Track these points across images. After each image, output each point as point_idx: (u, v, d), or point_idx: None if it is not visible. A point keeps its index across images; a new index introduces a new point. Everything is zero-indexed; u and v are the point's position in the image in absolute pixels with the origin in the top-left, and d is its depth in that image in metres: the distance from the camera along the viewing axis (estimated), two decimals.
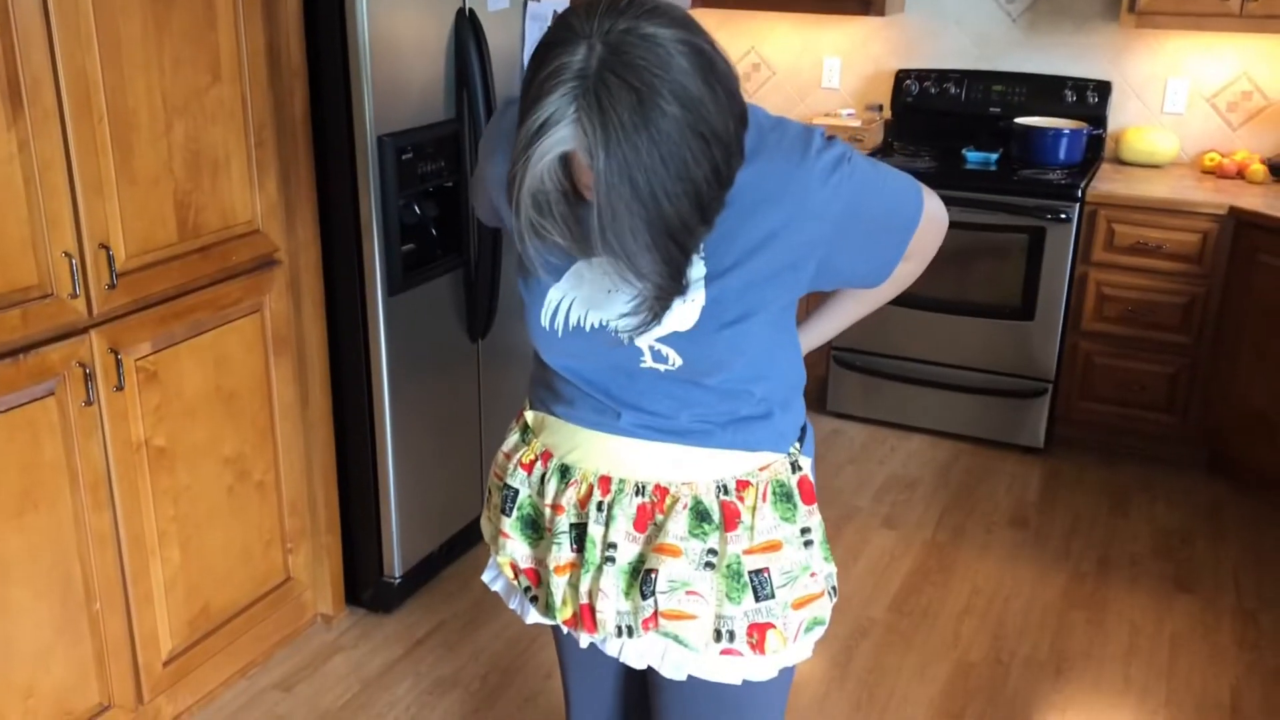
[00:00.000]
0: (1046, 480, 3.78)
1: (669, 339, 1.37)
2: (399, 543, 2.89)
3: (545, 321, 1.42)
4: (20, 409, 2.00)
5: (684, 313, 1.35)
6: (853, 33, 4.44)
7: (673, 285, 1.23)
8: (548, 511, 1.52)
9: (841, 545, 3.34)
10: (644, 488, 1.46)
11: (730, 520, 1.45)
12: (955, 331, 3.93)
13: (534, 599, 1.60)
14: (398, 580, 2.92)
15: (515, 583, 1.62)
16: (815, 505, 1.53)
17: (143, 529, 2.31)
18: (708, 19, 4.55)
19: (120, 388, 2.19)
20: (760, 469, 1.48)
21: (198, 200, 2.31)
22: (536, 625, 1.61)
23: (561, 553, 1.50)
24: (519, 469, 1.56)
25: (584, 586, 1.49)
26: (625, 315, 1.31)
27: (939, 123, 4.26)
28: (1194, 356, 3.69)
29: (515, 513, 1.56)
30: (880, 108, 4.41)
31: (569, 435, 1.50)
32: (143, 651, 2.37)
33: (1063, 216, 3.66)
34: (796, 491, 1.50)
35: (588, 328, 1.40)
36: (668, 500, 1.46)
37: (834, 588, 1.56)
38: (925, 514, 3.54)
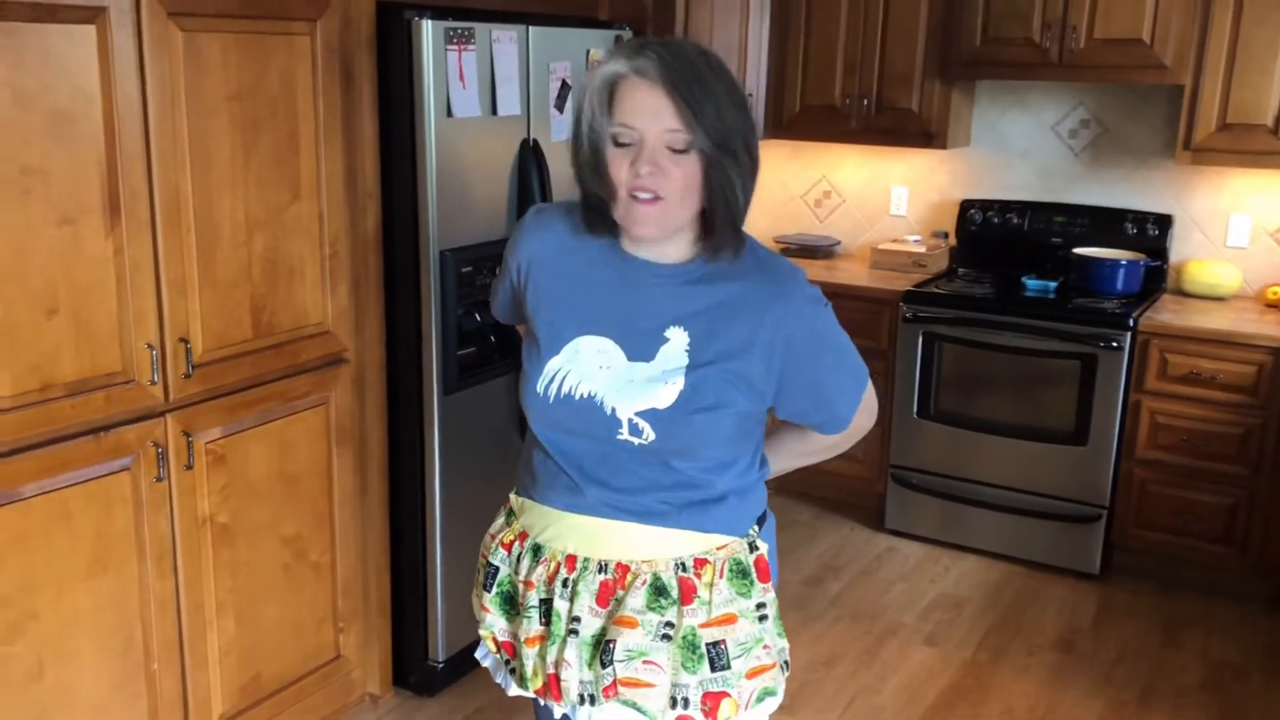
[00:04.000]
0: (1099, 606, 3.75)
1: (647, 414, 1.56)
2: (444, 629, 3.06)
3: (540, 388, 1.62)
4: (97, 481, 2.27)
5: (664, 393, 1.56)
6: (919, 164, 4.62)
7: (751, 165, 1.53)
8: (521, 587, 1.69)
9: (879, 660, 3.38)
10: (606, 565, 1.62)
11: (687, 595, 1.60)
12: (1011, 454, 3.98)
13: (512, 670, 1.75)
14: (441, 665, 3.09)
15: (499, 656, 1.78)
16: (770, 584, 1.67)
17: (202, 598, 2.54)
18: (781, 149, 4.79)
19: (190, 467, 2.45)
20: (718, 548, 1.63)
21: (272, 303, 2.59)
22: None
23: (531, 626, 1.66)
24: (500, 548, 1.74)
25: (550, 657, 1.64)
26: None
27: (1002, 251, 4.38)
28: (1252, 488, 3.67)
29: (495, 589, 1.74)
30: (945, 235, 4.55)
31: (542, 516, 1.68)
32: (195, 712, 2.57)
33: (1114, 345, 3.72)
34: (753, 570, 1.65)
35: (577, 397, 1.59)
36: (629, 577, 1.61)
37: (786, 661, 1.69)
38: (969, 633, 3.56)
